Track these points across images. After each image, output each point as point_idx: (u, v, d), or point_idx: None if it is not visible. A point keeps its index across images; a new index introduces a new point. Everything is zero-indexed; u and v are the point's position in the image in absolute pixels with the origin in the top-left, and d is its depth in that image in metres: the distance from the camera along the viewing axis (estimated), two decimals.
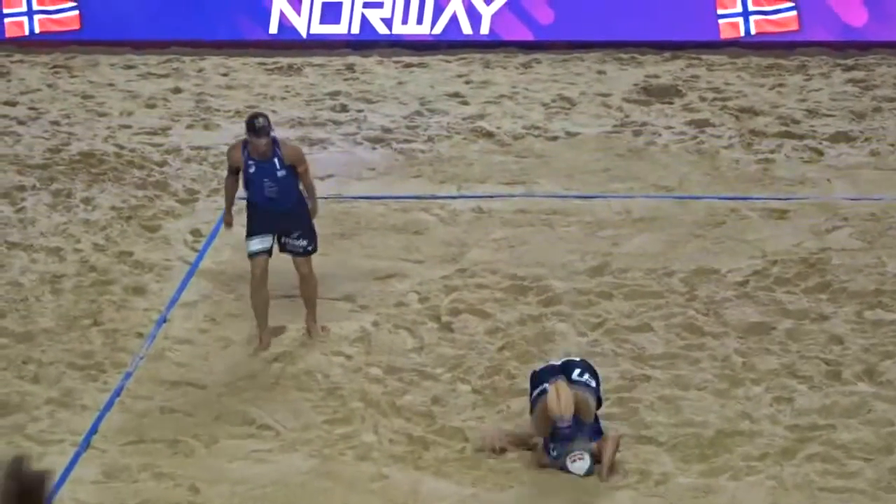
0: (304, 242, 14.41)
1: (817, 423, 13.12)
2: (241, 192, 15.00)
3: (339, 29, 21.43)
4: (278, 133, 16.67)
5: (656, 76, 20.06)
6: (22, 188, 17.68)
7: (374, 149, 17.20)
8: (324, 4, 21.52)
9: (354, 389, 13.90)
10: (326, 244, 15.46)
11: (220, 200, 17.06)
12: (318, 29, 21.37)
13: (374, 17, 21.23)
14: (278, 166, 14.18)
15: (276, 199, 14.30)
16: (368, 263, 15.06)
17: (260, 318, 14.38)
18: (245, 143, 14.38)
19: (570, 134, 18.31)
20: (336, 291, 14.95)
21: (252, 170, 14.19)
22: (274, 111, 19.27)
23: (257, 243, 14.33)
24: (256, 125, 14.49)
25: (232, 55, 21.06)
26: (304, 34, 21.42)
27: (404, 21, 21.13)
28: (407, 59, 20.82)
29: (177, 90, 20.14)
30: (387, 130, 18.41)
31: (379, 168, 17.51)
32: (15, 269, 16.12)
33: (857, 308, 14.98)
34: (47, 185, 17.83)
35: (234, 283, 15.87)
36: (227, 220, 15.00)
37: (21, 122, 19.25)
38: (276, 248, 14.77)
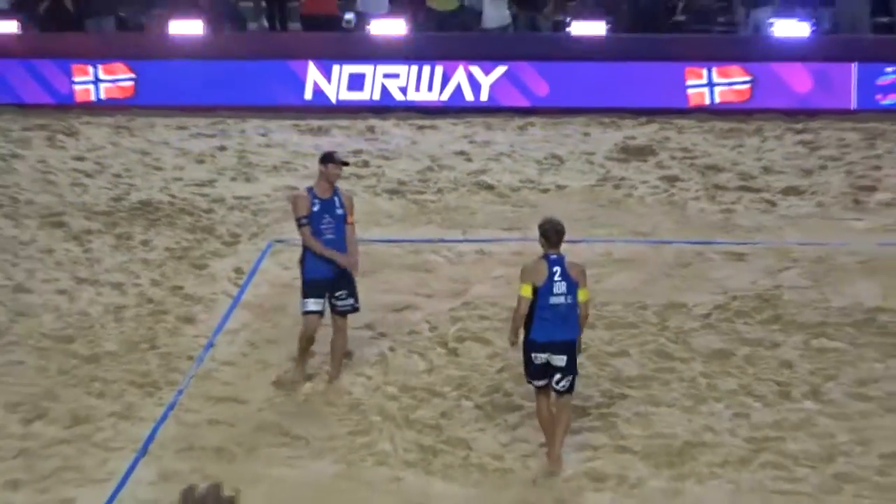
0: (351, 301, 14.27)
1: (770, 436, 13.16)
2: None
3: (362, 96, 21.54)
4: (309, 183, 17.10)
5: (633, 138, 20.03)
6: (89, 231, 17.67)
7: (391, 199, 17.17)
8: (350, 75, 21.61)
9: (373, 405, 13.90)
10: None
11: (260, 243, 17.68)
12: (345, 95, 21.43)
13: (392, 85, 21.37)
14: (337, 204, 14.02)
15: (333, 240, 14.10)
16: (386, 297, 15.01)
17: (302, 361, 14.31)
18: (310, 189, 14.29)
19: (559, 187, 18.34)
20: (358, 321, 14.78)
21: (316, 208, 13.98)
22: (306, 167, 19.59)
23: (313, 304, 14.16)
24: (337, 155, 14.61)
25: (270, 118, 21.06)
26: (333, 100, 21.47)
27: (417, 89, 21.26)
28: (419, 122, 20.77)
29: (222, 148, 20.13)
30: (402, 183, 18.39)
31: (395, 216, 17.43)
32: (83, 300, 16.08)
33: (805, 337, 14.96)
34: (111, 229, 17.78)
35: (270, 314, 15.89)
36: (343, 261, 14.37)
37: (88, 175, 19.23)
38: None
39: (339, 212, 14.14)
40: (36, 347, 15.18)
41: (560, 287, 13.17)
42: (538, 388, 13.25)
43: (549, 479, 13.03)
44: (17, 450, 13.22)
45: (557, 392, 13.05)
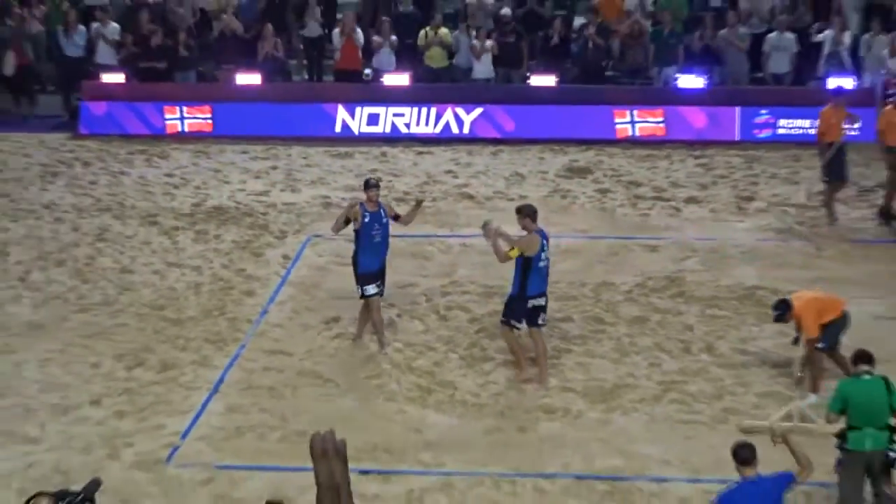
0: (382, 288, 14.22)
1: (675, 380, 13.28)
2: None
3: (377, 129, 21.48)
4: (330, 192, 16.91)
5: (576, 160, 20.03)
6: (176, 228, 17.74)
7: (398, 205, 16.82)
8: (368, 114, 21.57)
9: (385, 356, 14.00)
10: None
11: (301, 237, 17.75)
12: (364, 129, 21.37)
13: (399, 122, 21.34)
14: (383, 215, 13.94)
15: (380, 242, 14.11)
16: (394, 277, 14.80)
17: (362, 326, 14.35)
18: (361, 204, 14.10)
19: (521, 196, 18.09)
20: None
21: (366, 219, 13.84)
22: (335, 181, 19.65)
23: (372, 288, 14.11)
24: (373, 181, 14.39)
25: (309, 146, 21.04)
26: (356, 132, 21.39)
27: (417, 125, 21.22)
28: (419, 149, 20.78)
29: (274, 167, 20.13)
30: (406, 193, 18.33)
31: (401, 218, 17.19)
32: (171, 279, 16.23)
33: (701, 307, 15.09)
34: (192, 226, 17.87)
35: (309, 290, 16.04)
36: (337, 227, 14.57)
37: (175, 187, 19.33)
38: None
39: (385, 220, 14.06)
40: (136, 313, 15.30)
41: (546, 253, 13.39)
42: (516, 329, 13.48)
43: (513, 411, 13.16)
44: (123, 389, 13.43)
45: (538, 326, 13.38)
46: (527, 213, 13.45)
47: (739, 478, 9.24)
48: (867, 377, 10.38)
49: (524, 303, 13.37)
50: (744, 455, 9.29)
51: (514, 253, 13.32)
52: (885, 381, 10.33)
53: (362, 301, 14.36)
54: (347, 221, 14.01)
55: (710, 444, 11.91)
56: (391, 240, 14.61)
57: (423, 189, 18.90)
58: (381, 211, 13.98)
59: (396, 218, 14.03)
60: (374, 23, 22.60)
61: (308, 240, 17.39)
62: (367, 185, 14.21)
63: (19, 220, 18.03)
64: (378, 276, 14.12)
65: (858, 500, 10.39)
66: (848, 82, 19.75)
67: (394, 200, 16.72)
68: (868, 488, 10.28)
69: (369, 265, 14.09)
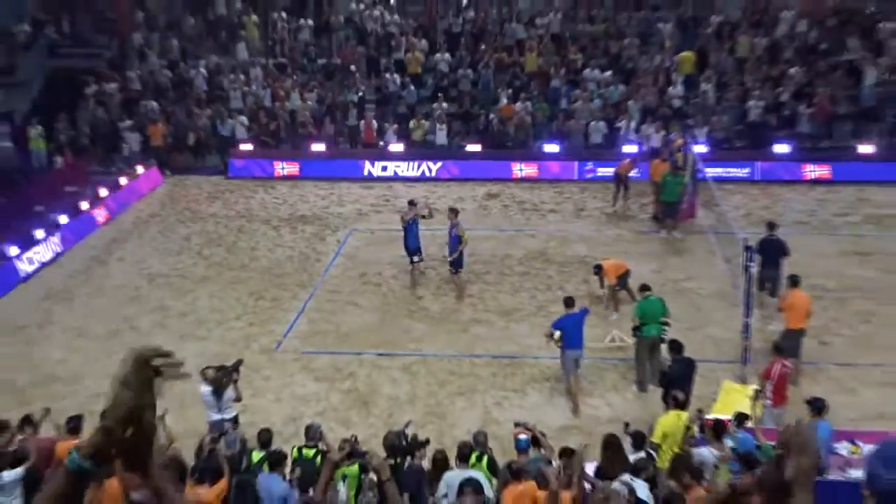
0: (421, 257, 13.87)
1: (542, 304, 13.12)
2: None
3: (386, 174, 20.71)
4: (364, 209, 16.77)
5: (492, 189, 19.50)
6: (279, 226, 17.36)
7: (397, 211, 16.47)
8: (381, 166, 20.69)
9: (392, 293, 13.87)
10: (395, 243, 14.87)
11: (346, 230, 16.85)
12: (380, 174, 20.65)
13: (398, 170, 20.61)
14: (418, 221, 13.59)
15: (416, 233, 13.63)
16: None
17: (414, 280, 13.84)
18: (410, 213, 13.73)
19: (462, 209, 16.66)
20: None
21: (410, 223, 13.53)
22: (364, 201, 18.86)
23: (416, 258, 13.76)
24: (413, 200, 14.34)
25: (351, 182, 20.26)
26: (375, 175, 20.61)
27: (407, 171, 20.60)
28: (409, 185, 20.06)
29: (331, 193, 19.57)
30: (411, 203, 16.88)
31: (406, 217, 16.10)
32: (277, 253, 15.82)
33: (557, 267, 14.59)
34: (288, 225, 17.43)
35: (351, 258, 15.45)
36: (403, 221, 13.85)
37: (279, 205, 18.87)
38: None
39: (417, 225, 13.69)
40: (258, 270, 14.95)
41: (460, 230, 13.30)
42: (451, 271, 13.35)
43: (458, 320, 12.71)
44: (252, 311, 13.30)
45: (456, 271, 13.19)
46: (455, 212, 13.56)
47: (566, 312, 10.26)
48: (650, 297, 10.65)
49: (461, 257, 13.32)
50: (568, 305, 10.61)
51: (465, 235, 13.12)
52: (659, 299, 10.68)
53: (411, 266, 13.78)
54: (404, 220, 13.61)
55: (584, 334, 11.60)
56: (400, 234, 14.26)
57: (413, 203, 17.41)
58: (416, 220, 13.65)
59: (423, 217, 13.70)
60: (385, 116, 22.00)
61: (350, 232, 16.95)
62: (410, 203, 14.04)
63: (197, 223, 17.79)
64: (417, 251, 13.69)
65: (643, 364, 10.55)
66: (633, 148, 19.11)
67: (397, 212, 16.13)
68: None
69: (413, 245, 13.67)
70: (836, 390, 9.98)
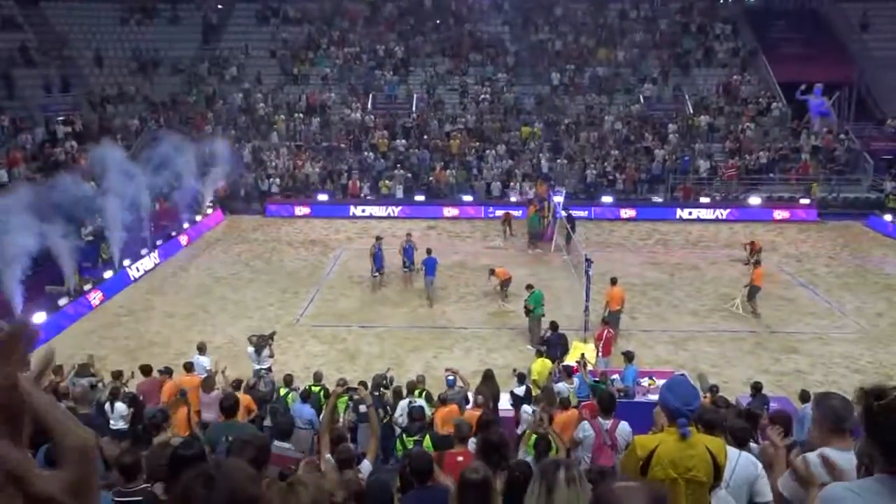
0: (412, 268, 12.83)
1: (463, 294, 12.89)
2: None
3: (366, 214, 19.65)
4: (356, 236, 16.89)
5: (431, 224, 18.78)
6: (298, 247, 16.95)
7: (372, 237, 14.95)
8: (365, 209, 19.63)
9: (379, 286, 13.30)
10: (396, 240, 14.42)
11: (340, 249, 16.24)
12: (360, 215, 19.53)
13: (373, 212, 19.57)
14: (413, 247, 12.83)
15: (380, 258, 12.78)
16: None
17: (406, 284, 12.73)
18: (407, 241, 12.63)
19: (438, 235, 17.43)
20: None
21: (407, 249, 12.79)
22: (353, 233, 18.18)
23: (379, 273, 12.62)
24: (408, 232, 13.27)
25: (346, 220, 19.25)
26: (358, 215, 19.45)
27: (378, 212, 19.48)
28: (379, 221, 19.00)
29: (331, 227, 18.75)
30: (377, 238, 14.18)
31: (372, 248, 13.88)
32: (296, 263, 15.33)
33: (471, 271, 14.29)
34: (304, 246, 16.97)
35: (344, 269, 14.97)
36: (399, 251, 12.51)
37: (298, 233, 18.28)
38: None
39: (414, 251, 12.87)
40: (285, 274, 14.52)
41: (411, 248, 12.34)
42: (405, 270, 12.26)
43: (417, 308, 12.08)
44: (281, 299, 12.63)
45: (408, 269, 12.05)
46: (409, 234, 13.26)
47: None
48: (535, 291, 10.43)
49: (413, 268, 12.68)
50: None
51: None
52: (541, 292, 10.52)
53: (376, 276, 12.94)
54: (371, 249, 12.70)
55: (486, 312, 12.08)
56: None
57: (395, 234, 15.93)
58: (411, 245, 12.96)
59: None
60: (364, 178, 20.52)
61: (342, 251, 16.52)
62: (377, 238, 13.09)
63: (245, 245, 17.28)
64: (380, 269, 12.91)
65: (533, 332, 10.28)
66: (516, 198, 18.94)
67: (383, 240, 14.25)
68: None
69: (378, 264, 13.06)
70: (640, 346, 10.30)
